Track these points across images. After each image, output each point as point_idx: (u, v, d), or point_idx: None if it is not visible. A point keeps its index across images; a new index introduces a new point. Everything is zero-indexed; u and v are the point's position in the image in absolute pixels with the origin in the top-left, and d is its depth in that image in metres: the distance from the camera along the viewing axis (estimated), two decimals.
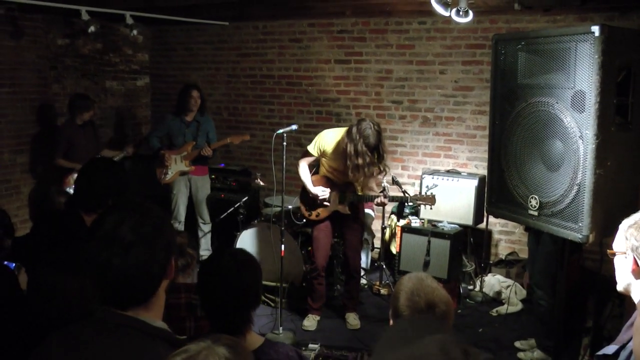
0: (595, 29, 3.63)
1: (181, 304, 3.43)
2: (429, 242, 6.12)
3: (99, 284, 1.75)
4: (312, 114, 8.43)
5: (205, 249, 7.53)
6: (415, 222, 6.48)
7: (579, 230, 3.87)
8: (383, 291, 6.68)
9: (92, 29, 6.92)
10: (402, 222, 6.65)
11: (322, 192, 5.72)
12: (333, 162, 5.68)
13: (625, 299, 3.95)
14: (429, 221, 6.40)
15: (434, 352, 1.38)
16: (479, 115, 7.31)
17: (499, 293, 6.52)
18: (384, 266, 6.76)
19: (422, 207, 6.29)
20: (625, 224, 2.34)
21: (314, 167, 5.96)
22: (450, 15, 5.51)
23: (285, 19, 8.31)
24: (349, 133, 5.40)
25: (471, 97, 7.35)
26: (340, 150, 5.48)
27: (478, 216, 6.34)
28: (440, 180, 6.35)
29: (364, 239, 7.07)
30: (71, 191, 6.87)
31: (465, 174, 6.64)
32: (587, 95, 3.72)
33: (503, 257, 7.22)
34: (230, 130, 8.71)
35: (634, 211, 2.37)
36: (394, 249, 6.78)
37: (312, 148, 5.72)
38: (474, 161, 7.40)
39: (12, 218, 7.28)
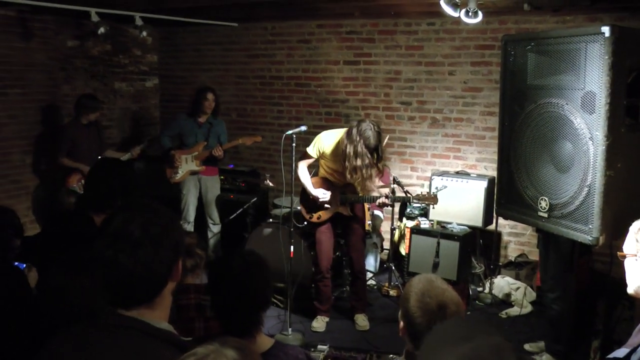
0: (606, 30, 3.62)
1: (190, 304, 3.43)
2: (438, 243, 6.10)
3: (105, 282, 1.76)
4: (321, 115, 8.43)
5: (214, 250, 7.52)
6: (424, 224, 6.46)
7: (589, 232, 3.86)
8: (392, 292, 6.67)
9: (101, 30, 6.96)
10: (411, 223, 6.64)
11: (323, 194, 5.71)
12: (332, 163, 5.65)
13: (635, 301, 3.94)
14: (438, 223, 6.39)
15: (489, 355, 1.36)
16: (488, 116, 7.28)
17: (508, 295, 6.50)
18: (393, 267, 6.74)
19: (431, 207, 6.27)
20: (635, 226, 2.33)
21: (314, 168, 5.94)
22: (459, 16, 5.50)
23: (294, 20, 8.32)
24: (348, 134, 5.37)
25: (480, 98, 7.33)
26: (339, 151, 5.45)
27: (487, 218, 6.32)
28: (449, 182, 6.33)
29: (373, 242, 7.09)
30: (74, 190, 6.93)
31: (475, 175, 6.63)
32: (597, 96, 3.72)
33: (512, 259, 7.19)
34: (239, 131, 8.71)
35: None
36: (403, 250, 6.77)
37: (311, 149, 5.69)
38: (483, 162, 7.38)
39: (22, 218, 7.30)
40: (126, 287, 1.75)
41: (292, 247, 5.56)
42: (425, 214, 6.80)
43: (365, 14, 7.58)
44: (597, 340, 5.14)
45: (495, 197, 5.33)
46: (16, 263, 3.58)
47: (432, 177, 6.58)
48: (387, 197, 5.59)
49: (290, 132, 5.42)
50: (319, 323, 5.87)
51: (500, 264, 7.16)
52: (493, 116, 7.04)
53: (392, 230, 6.87)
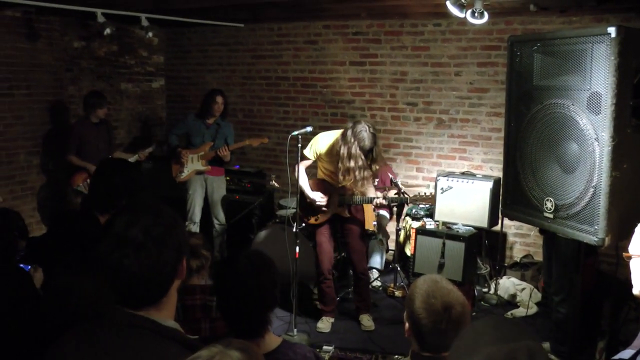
0: (612, 30, 3.62)
1: (196, 305, 3.44)
2: (443, 244, 6.08)
3: (112, 284, 1.76)
4: (327, 115, 8.44)
5: (219, 251, 7.53)
6: (429, 224, 6.45)
7: (594, 233, 3.85)
8: (397, 293, 6.66)
9: (107, 31, 6.98)
10: (417, 224, 6.63)
11: (321, 197, 5.71)
12: (329, 164, 5.64)
13: None
14: (444, 223, 6.38)
15: (523, 358, 1.36)
16: (494, 117, 7.28)
17: (513, 296, 6.49)
18: (399, 268, 6.73)
19: (436, 208, 6.27)
20: None
21: (315, 169, 5.94)
22: (465, 17, 5.50)
23: (300, 20, 8.32)
24: (343, 135, 5.36)
25: (486, 99, 7.32)
26: (334, 152, 5.44)
27: (493, 218, 6.30)
28: (455, 183, 6.31)
29: (379, 239, 7.08)
30: (79, 190, 6.96)
31: (480, 176, 6.61)
32: (603, 97, 3.71)
33: (518, 260, 7.18)
34: (246, 132, 8.73)
35: None
36: (408, 251, 6.76)
37: (309, 151, 5.69)
38: (489, 163, 7.37)
39: (28, 219, 7.38)
40: (132, 289, 1.75)
41: (297, 248, 5.55)
42: (430, 214, 6.79)
43: (372, 14, 7.58)
44: (603, 341, 5.13)
45: (500, 197, 5.32)
46: (21, 265, 3.60)
47: (438, 178, 6.56)
48: (384, 198, 5.58)
49: (296, 132, 5.41)
50: (324, 324, 5.87)
51: (506, 264, 7.15)
52: (499, 117, 7.03)
53: (398, 230, 6.86)
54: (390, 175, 6.36)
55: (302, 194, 5.73)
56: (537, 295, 6.45)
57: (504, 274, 6.92)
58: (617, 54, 3.60)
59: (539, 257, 6.86)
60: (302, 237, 5.93)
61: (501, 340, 1.41)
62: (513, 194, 4.72)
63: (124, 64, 9.07)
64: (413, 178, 7.84)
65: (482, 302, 6.50)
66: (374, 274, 6.97)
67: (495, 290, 6.60)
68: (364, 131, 5.26)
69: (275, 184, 6.67)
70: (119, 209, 1.88)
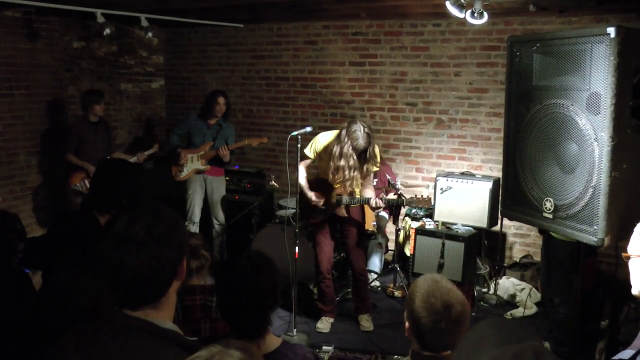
0: (611, 31, 3.61)
1: (197, 305, 3.44)
2: (443, 244, 6.09)
3: (111, 283, 1.76)
4: (327, 116, 8.44)
5: (219, 251, 7.53)
6: (429, 225, 6.46)
7: (594, 233, 3.85)
8: (397, 293, 6.67)
9: (107, 31, 6.98)
10: (416, 224, 6.63)
11: (317, 197, 5.72)
12: (326, 163, 5.65)
13: None
14: (443, 223, 6.38)
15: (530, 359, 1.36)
16: (493, 117, 7.28)
17: (513, 296, 6.49)
18: (398, 268, 6.74)
19: (435, 208, 6.28)
20: None
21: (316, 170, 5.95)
22: (464, 17, 5.50)
23: (300, 21, 8.32)
24: (338, 135, 5.37)
25: (486, 99, 7.32)
26: (330, 151, 5.45)
27: (492, 219, 6.31)
28: (454, 183, 6.32)
29: (378, 242, 7.08)
30: (76, 189, 6.96)
31: (480, 176, 6.61)
32: (603, 97, 3.71)
33: (517, 260, 7.18)
34: (245, 132, 8.73)
35: None
36: (408, 251, 6.76)
37: (308, 150, 5.70)
38: (488, 163, 7.37)
39: (28, 220, 7.39)
40: (132, 288, 1.75)
41: (296, 248, 5.55)
42: (430, 214, 6.79)
43: (371, 15, 7.58)
44: (603, 341, 5.13)
45: (500, 198, 5.32)
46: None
47: (438, 178, 6.57)
48: (381, 199, 5.58)
49: (295, 133, 5.42)
50: (324, 324, 5.87)
51: (505, 265, 7.16)
52: (499, 117, 7.04)
53: (397, 231, 6.87)
54: (389, 177, 6.35)
55: (302, 194, 5.74)
56: (537, 296, 6.45)
57: (504, 274, 6.92)
58: (616, 54, 3.60)
59: (538, 258, 6.85)
60: (302, 237, 5.93)
61: (505, 342, 1.42)
62: (512, 194, 4.71)
63: (124, 64, 9.07)
64: (413, 178, 7.84)
65: (481, 302, 6.50)
66: (373, 276, 6.96)
67: (495, 290, 6.60)
68: (358, 131, 5.25)
69: (275, 184, 6.67)
70: (119, 209, 1.88)
